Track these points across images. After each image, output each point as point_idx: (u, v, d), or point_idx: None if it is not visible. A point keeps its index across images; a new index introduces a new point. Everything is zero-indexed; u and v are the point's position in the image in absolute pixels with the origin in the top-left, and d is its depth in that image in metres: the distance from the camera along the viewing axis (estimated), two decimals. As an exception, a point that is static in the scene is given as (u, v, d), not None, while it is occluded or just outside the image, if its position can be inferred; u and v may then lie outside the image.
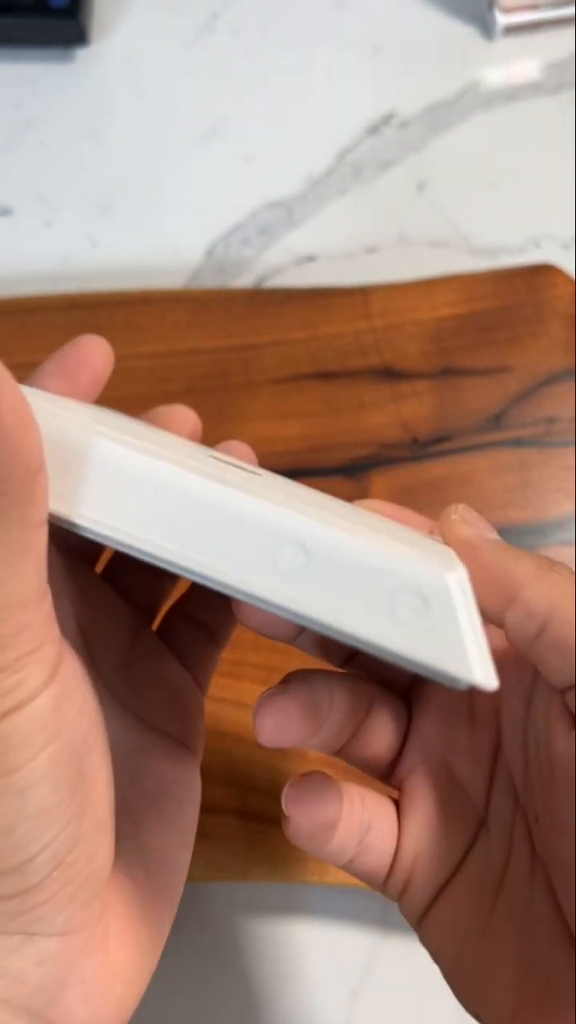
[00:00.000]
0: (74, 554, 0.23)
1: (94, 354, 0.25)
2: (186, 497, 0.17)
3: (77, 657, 0.19)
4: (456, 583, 0.17)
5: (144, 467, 0.17)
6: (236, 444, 0.25)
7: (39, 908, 0.17)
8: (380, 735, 0.23)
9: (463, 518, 0.20)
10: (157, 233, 0.47)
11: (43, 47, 0.51)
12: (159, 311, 0.42)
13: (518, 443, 0.40)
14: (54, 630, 0.17)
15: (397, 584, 0.17)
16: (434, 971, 0.35)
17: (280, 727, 0.20)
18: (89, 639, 0.22)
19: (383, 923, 0.35)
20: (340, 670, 0.23)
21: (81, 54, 0.51)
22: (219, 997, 0.34)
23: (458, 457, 0.40)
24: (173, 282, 0.46)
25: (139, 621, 0.24)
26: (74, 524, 0.17)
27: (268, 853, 0.34)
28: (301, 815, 0.21)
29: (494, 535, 0.20)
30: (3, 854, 0.17)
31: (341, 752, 0.23)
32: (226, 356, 0.41)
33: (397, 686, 0.24)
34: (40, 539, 0.17)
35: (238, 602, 0.20)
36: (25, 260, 0.46)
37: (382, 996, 0.34)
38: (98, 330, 0.44)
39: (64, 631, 0.18)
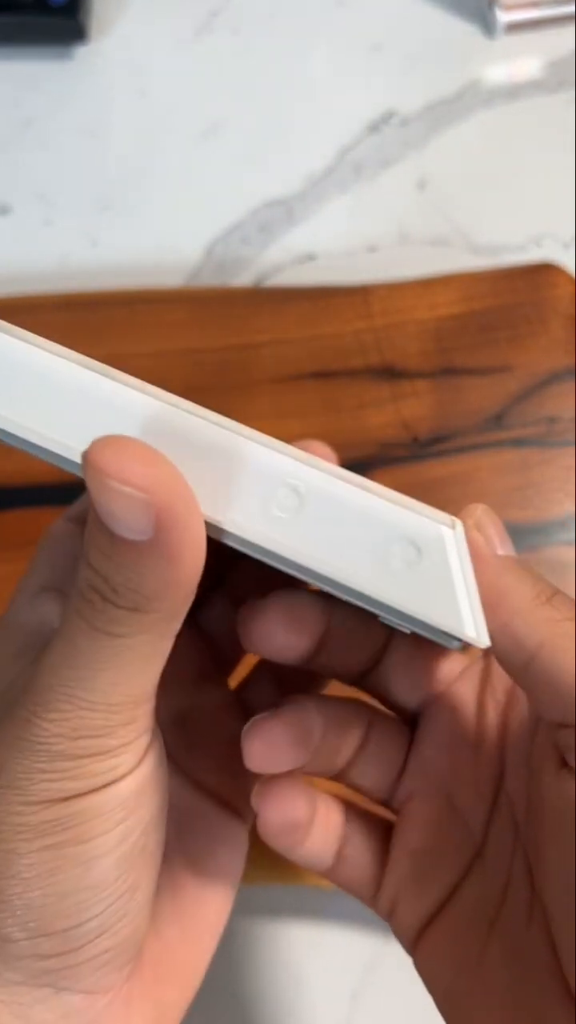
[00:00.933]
0: None
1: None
2: (184, 439, 0.17)
3: (161, 743, 0.19)
4: (451, 537, 0.17)
5: (140, 408, 0.17)
6: (315, 444, 0.24)
7: (73, 968, 0.18)
8: (378, 760, 0.22)
9: (477, 523, 0.19)
10: (156, 232, 0.47)
11: (42, 45, 0.51)
12: (159, 310, 0.42)
13: (519, 443, 0.40)
14: (152, 722, 0.18)
15: (393, 534, 0.17)
16: (434, 972, 0.35)
17: (268, 753, 0.20)
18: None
19: (383, 924, 0.35)
20: (343, 695, 0.23)
21: (80, 52, 0.51)
22: (219, 997, 0.34)
23: (458, 457, 0.39)
24: (172, 281, 0.45)
25: (212, 669, 0.24)
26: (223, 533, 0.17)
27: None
28: (268, 810, 0.21)
29: (506, 548, 0.20)
30: (53, 917, 0.17)
31: (339, 776, 0.23)
32: (226, 355, 0.41)
33: (403, 711, 0.23)
34: (169, 645, 0.17)
35: (245, 625, 0.20)
36: (24, 259, 0.46)
37: (382, 996, 0.34)
38: (98, 330, 0.44)
39: None
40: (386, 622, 0.18)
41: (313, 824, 0.21)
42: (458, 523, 0.17)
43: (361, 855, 0.22)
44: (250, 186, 0.48)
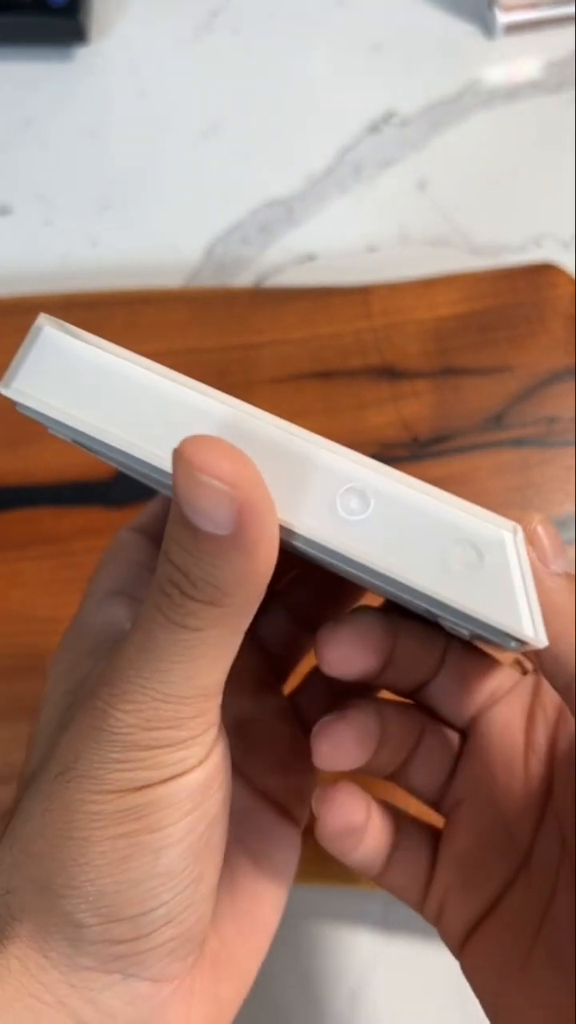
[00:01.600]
0: None
1: None
2: (255, 444, 0.18)
3: (226, 739, 0.20)
4: (511, 541, 0.17)
5: (214, 414, 0.18)
6: None
7: (142, 955, 0.18)
8: (430, 763, 0.23)
9: (531, 536, 0.19)
10: (157, 232, 0.47)
11: (43, 46, 0.51)
12: (159, 310, 0.42)
13: (519, 443, 0.40)
14: (219, 716, 0.19)
15: (454, 536, 0.17)
16: (434, 972, 0.35)
17: (335, 753, 0.22)
18: None
19: (383, 923, 0.35)
20: (398, 698, 0.24)
21: (81, 53, 0.51)
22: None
23: (458, 457, 0.39)
24: (173, 281, 0.45)
25: (269, 677, 0.24)
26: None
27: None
28: (328, 815, 0.22)
29: (559, 563, 0.20)
30: (125, 903, 0.18)
31: (392, 777, 0.23)
32: (226, 355, 0.41)
33: (456, 720, 0.24)
34: (239, 641, 0.18)
35: (322, 649, 0.21)
36: (24, 259, 0.46)
37: (382, 996, 0.34)
38: (98, 330, 0.44)
39: None
40: (446, 624, 0.18)
41: (367, 830, 0.22)
42: (519, 528, 0.18)
43: (410, 861, 0.23)
44: (250, 186, 0.48)
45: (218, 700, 0.19)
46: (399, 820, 0.24)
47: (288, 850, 0.23)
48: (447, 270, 0.43)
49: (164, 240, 0.47)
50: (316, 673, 0.25)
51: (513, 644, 0.17)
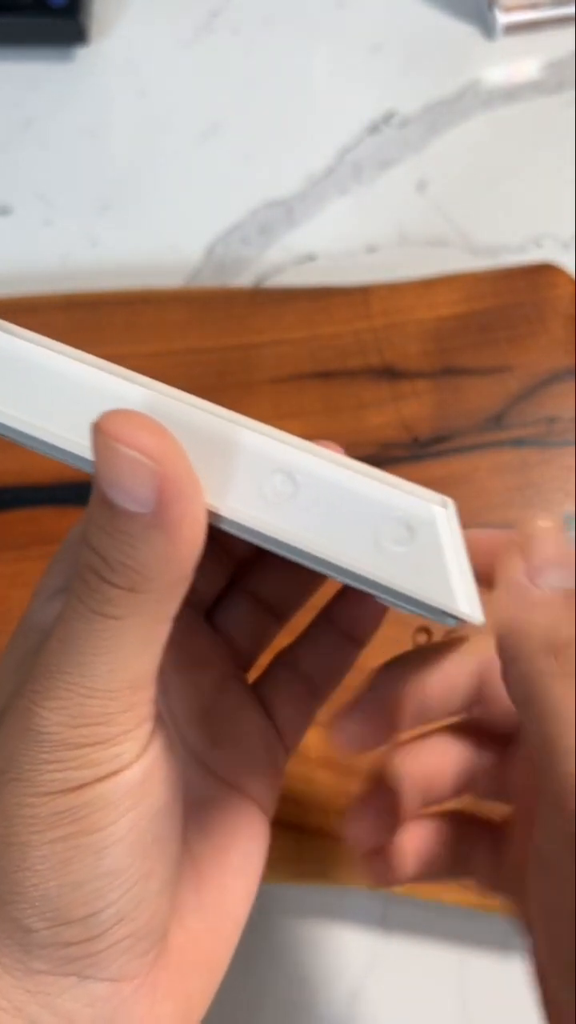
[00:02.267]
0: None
1: None
2: (181, 428, 0.17)
3: (166, 728, 0.19)
4: (442, 516, 0.17)
5: (137, 399, 0.18)
6: (329, 444, 0.25)
7: (96, 956, 0.18)
8: (486, 775, 0.24)
9: (527, 539, 0.18)
10: (157, 232, 0.47)
11: (43, 46, 0.51)
12: (159, 310, 0.42)
13: (519, 443, 0.40)
14: (153, 709, 0.18)
15: (385, 514, 0.17)
16: (434, 972, 0.35)
17: (351, 742, 0.23)
18: (170, 688, 0.22)
19: (383, 923, 0.35)
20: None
21: (81, 53, 0.51)
22: (219, 997, 0.34)
23: (458, 457, 0.39)
24: (173, 281, 0.45)
25: (232, 668, 0.24)
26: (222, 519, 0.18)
27: (268, 854, 0.34)
28: (353, 839, 0.22)
29: (557, 576, 0.18)
30: (71, 906, 0.17)
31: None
32: (226, 355, 0.41)
33: (504, 720, 0.24)
34: (165, 631, 0.18)
35: (338, 736, 0.21)
36: (25, 259, 0.46)
37: (382, 996, 0.34)
38: (98, 330, 0.44)
39: None
40: (382, 602, 0.18)
41: (401, 849, 0.22)
42: (449, 502, 0.17)
43: (478, 855, 0.23)
44: (250, 186, 0.48)
45: (149, 692, 0.18)
46: (451, 820, 0.23)
47: (256, 840, 0.23)
48: (447, 270, 0.43)
49: (164, 240, 0.47)
50: (280, 661, 0.25)
51: (451, 621, 0.17)
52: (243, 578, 0.25)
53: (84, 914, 0.18)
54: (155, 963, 0.19)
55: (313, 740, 0.35)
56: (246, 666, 0.25)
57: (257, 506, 0.17)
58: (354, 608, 0.24)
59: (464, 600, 0.17)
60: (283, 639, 0.25)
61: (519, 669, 0.17)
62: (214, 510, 0.17)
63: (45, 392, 0.18)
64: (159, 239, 0.47)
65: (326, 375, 0.41)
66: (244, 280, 0.46)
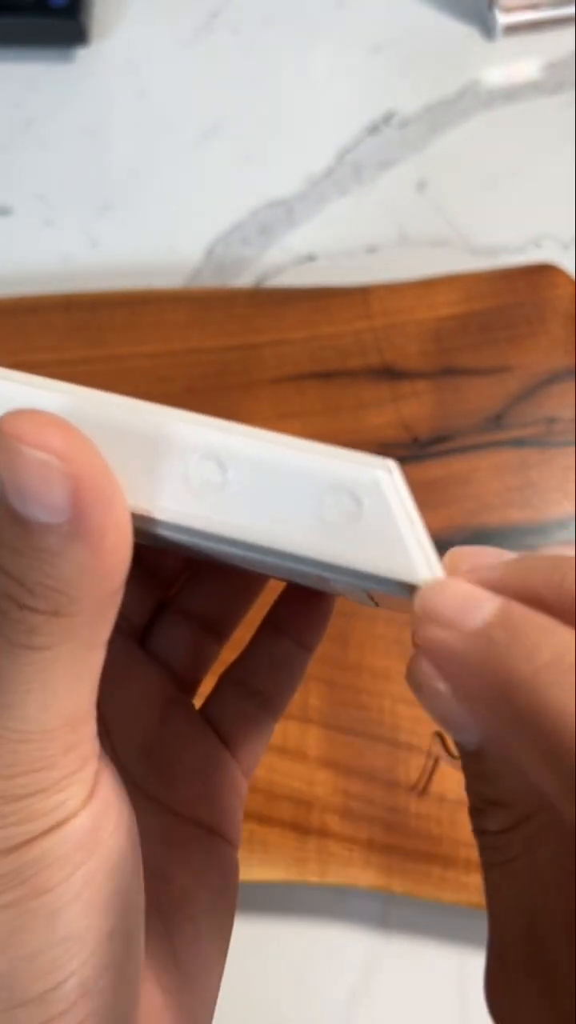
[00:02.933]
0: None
1: None
2: (91, 427, 0.15)
3: (113, 767, 0.17)
4: (389, 480, 0.15)
5: (42, 403, 0.16)
6: None
7: None
8: None
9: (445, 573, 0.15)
10: (157, 233, 0.47)
11: (43, 47, 0.51)
12: (159, 311, 0.42)
13: (518, 443, 0.40)
14: (97, 746, 0.17)
15: (325, 486, 0.15)
16: (434, 972, 0.35)
17: None
18: (110, 724, 0.21)
19: (383, 923, 0.35)
20: None
21: (81, 54, 0.51)
22: (219, 997, 0.34)
23: (458, 457, 0.39)
24: (173, 282, 0.45)
25: (174, 695, 0.22)
26: None
27: (268, 853, 0.34)
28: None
29: (485, 610, 0.14)
30: (25, 982, 0.15)
31: None
32: (226, 356, 0.41)
33: None
34: (100, 658, 0.16)
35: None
36: (25, 260, 0.46)
37: (382, 996, 0.34)
38: (98, 330, 0.44)
39: None
40: (339, 588, 0.17)
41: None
42: (393, 465, 0.16)
43: None
44: (250, 187, 0.48)
45: (90, 728, 0.16)
46: None
47: (225, 875, 0.21)
48: (447, 270, 0.43)
49: (164, 240, 0.47)
50: (227, 680, 0.23)
51: (408, 592, 0.16)
52: (174, 598, 0.23)
53: (41, 989, 0.15)
54: None
55: (313, 740, 0.35)
56: (189, 691, 0.23)
57: (186, 500, 0.15)
58: (299, 611, 0.22)
59: (423, 565, 0.15)
60: (227, 655, 0.24)
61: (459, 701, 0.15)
62: (141, 512, 0.16)
63: None
64: (159, 239, 0.47)
65: (326, 375, 0.41)
66: (244, 280, 0.46)
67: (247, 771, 0.23)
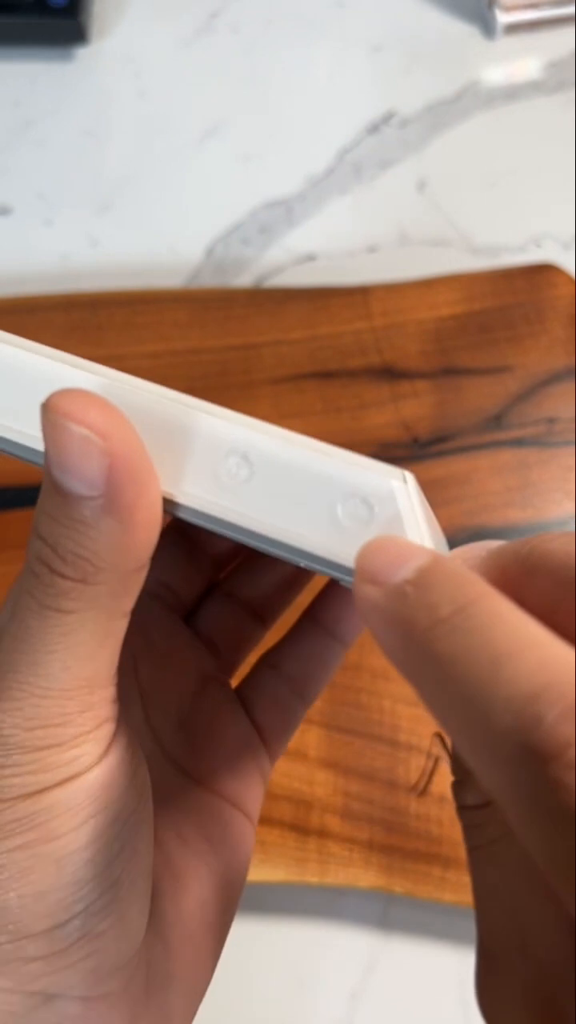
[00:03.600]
0: (158, 601, 0.22)
1: None
2: (131, 413, 0.16)
3: (131, 730, 0.18)
4: (403, 490, 0.16)
5: (76, 380, 0.17)
6: None
7: (62, 972, 0.17)
8: None
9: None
10: (157, 232, 0.47)
11: (43, 46, 0.51)
12: (159, 311, 0.42)
13: (518, 443, 0.40)
14: (115, 708, 0.18)
15: (342, 491, 0.16)
16: (434, 971, 0.35)
17: None
18: (147, 693, 0.21)
19: (383, 923, 0.35)
20: None
21: (81, 53, 0.51)
22: (219, 997, 0.34)
23: (458, 457, 0.39)
24: (173, 281, 0.45)
25: (212, 672, 0.23)
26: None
27: (268, 853, 0.34)
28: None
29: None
30: (33, 918, 0.17)
31: None
32: (226, 356, 0.41)
33: None
34: (122, 627, 0.17)
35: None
36: (25, 259, 0.46)
37: (382, 996, 0.34)
38: (98, 330, 0.44)
39: (120, 688, 0.18)
40: (346, 585, 0.17)
41: None
42: (409, 476, 0.17)
43: None
44: (250, 187, 0.48)
45: (108, 692, 0.17)
46: None
47: (240, 848, 0.22)
48: (447, 270, 0.43)
49: (164, 240, 0.47)
50: (263, 663, 0.24)
51: None
52: (224, 580, 0.24)
53: (47, 926, 0.17)
54: (131, 979, 0.18)
55: (313, 740, 0.35)
56: (228, 670, 0.24)
57: (213, 491, 0.16)
58: (338, 606, 0.23)
59: None
60: (270, 639, 0.25)
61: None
62: (170, 497, 0.17)
63: None
64: (159, 239, 0.47)
65: (326, 375, 0.41)
66: (244, 280, 0.46)
67: (274, 754, 0.24)
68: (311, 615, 0.24)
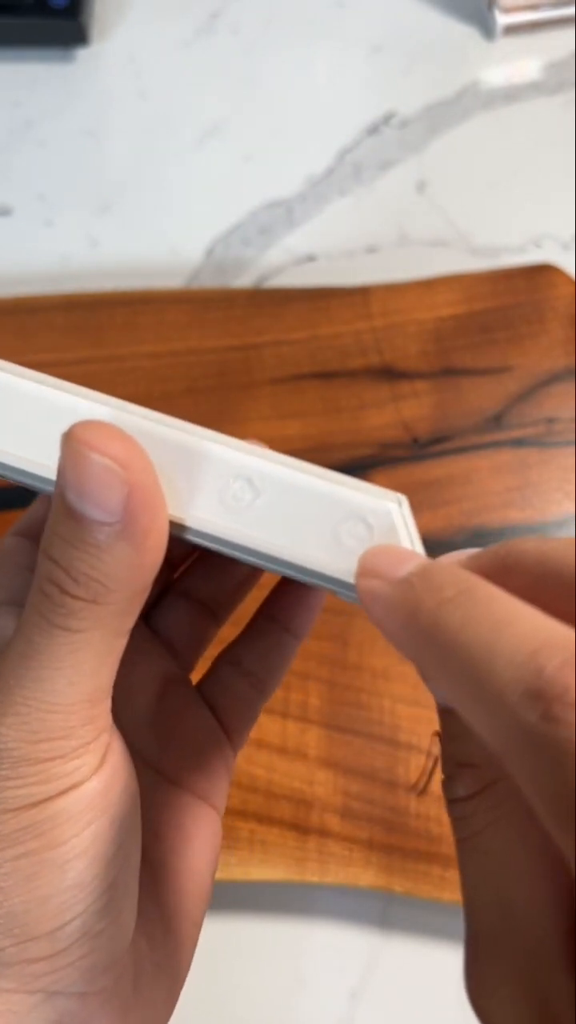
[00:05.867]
0: None
1: None
2: (143, 441, 0.17)
3: (122, 740, 0.19)
4: (398, 512, 0.18)
5: (91, 412, 0.18)
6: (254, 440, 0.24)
7: (62, 970, 0.18)
8: None
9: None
10: (157, 233, 0.47)
11: (43, 47, 0.51)
12: (159, 311, 0.42)
13: (518, 443, 0.40)
14: (109, 719, 0.19)
15: (343, 513, 0.18)
16: (434, 971, 0.35)
17: None
18: (117, 694, 0.22)
19: (383, 923, 0.35)
20: None
21: (81, 54, 0.51)
22: (219, 997, 0.34)
23: (458, 457, 0.39)
24: (173, 282, 0.46)
25: (174, 671, 0.24)
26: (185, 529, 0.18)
27: (268, 853, 0.34)
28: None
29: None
30: (37, 921, 0.17)
31: None
32: (226, 356, 0.41)
33: None
34: (123, 644, 0.18)
35: None
36: (25, 260, 0.46)
37: (382, 996, 0.34)
38: (98, 330, 0.44)
39: None
40: (346, 600, 0.19)
41: None
42: (403, 499, 0.18)
43: None
44: (250, 187, 0.48)
45: (107, 704, 0.18)
46: None
47: (210, 840, 0.23)
48: (447, 270, 0.43)
49: (164, 241, 0.47)
50: (223, 659, 0.25)
51: None
52: (178, 580, 0.25)
53: (49, 928, 0.17)
54: (121, 974, 0.19)
55: (313, 740, 0.35)
56: (187, 668, 0.25)
57: (219, 513, 0.18)
58: (292, 603, 0.24)
59: None
60: (225, 634, 0.25)
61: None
62: (179, 521, 0.18)
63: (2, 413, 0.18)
64: (159, 240, 0.47)
65: (326, 375, 0.41)
66: (244, 281, 0.46)
67: (236, 746, 0.24)
68: (266, 612, 0.25)
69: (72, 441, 0.16)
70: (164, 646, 0.24)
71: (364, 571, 0.17)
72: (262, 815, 0.34)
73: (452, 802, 0.18)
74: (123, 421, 0.18)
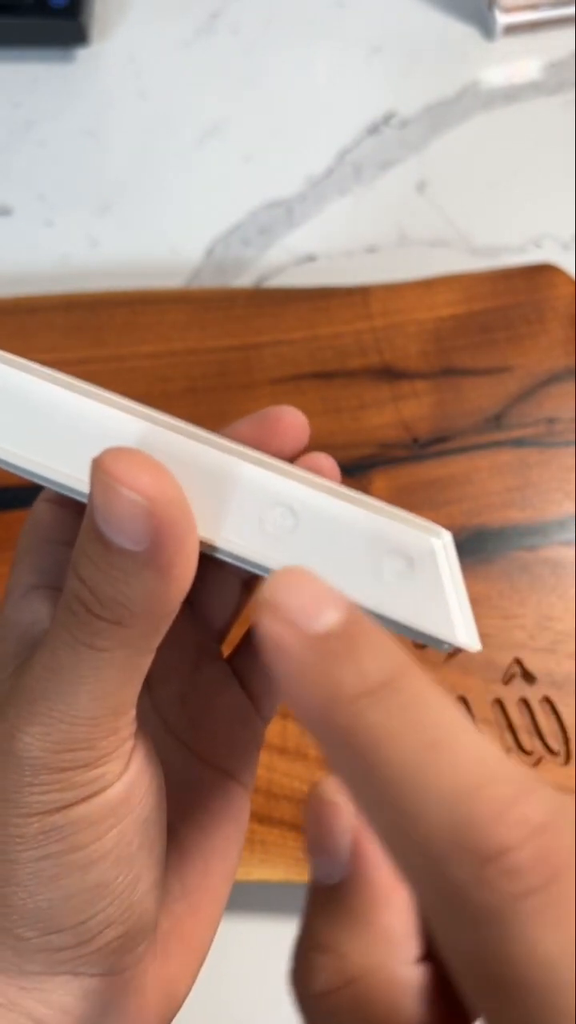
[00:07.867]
0: None
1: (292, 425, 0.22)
2: (179, 459, 0.17)
3: (148, 739, 0.20)
4: (440, 547, 0.17)
5: (121, 428, 0.18)
6: (319, 456, 0.22)
7: (87, 957, 0.18)
8: None
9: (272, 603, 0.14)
10: (157, 233, 0.47)
11: (43, 47, 0.51)
12: (159, 311, 0.42)
13: (518, 443, 0.40)
14: (134, 726, 0.19)
15: (384, 547, 0.17)
16: (434, 971, 0.35)
17: None
18: (152, 674, 0.22)
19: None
20: None
21: (81, 54, 0.51)
22: (219, 997, 0.34)
23: (458, 457, 0.39)
24: (173, 282, 0.46)
25: (206, 643, 0.24)
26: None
27: (268, 853, 0.34)
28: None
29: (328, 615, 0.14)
30: (61, 916, 0.18)
31: None
32: (226, 356, 0.41)
33: None
34: (148, 662, 0.18)
35: None
36: (25, 260, 0.46)
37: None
38: (98, 330, 0.44)
39: None
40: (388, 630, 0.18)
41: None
42: (446, 533, 0.18)
43: None
44: (250, 187, 0.48)
45: (131, 715, 0.18)
46: None
47: (237, 820, 0.23)
48: (447, 270, 0.43)
49: (164, 241, 0.47)
50: (252, 634, 0.24)
51: (446, 647, 0.17)
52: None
53: (74, 923, 0.18)
54: (143, 955, 0.20)
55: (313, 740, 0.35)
56: (220, 640, 0.25)
57: (258, 539, 0.18)
58: None
59: (463, 630, 0.17)
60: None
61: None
62: (210, 542, 0.17)
63: (38, 423, 0.18)
64: (159, 240, 0.47)
65: (326, 375, 0.41)
66: (244, 281, 0.46)
67: (266, 718, 0.24)
68: None
69: (99, 471, 0.16)
70: (196, 617, 0.24)
71: (270, 606, 0.13)
72: (262, 815, 0.34)
73: (303, 999, 0.15)
74: (159, 438, 0.18)
